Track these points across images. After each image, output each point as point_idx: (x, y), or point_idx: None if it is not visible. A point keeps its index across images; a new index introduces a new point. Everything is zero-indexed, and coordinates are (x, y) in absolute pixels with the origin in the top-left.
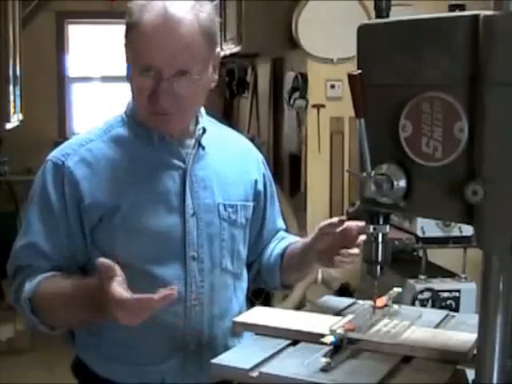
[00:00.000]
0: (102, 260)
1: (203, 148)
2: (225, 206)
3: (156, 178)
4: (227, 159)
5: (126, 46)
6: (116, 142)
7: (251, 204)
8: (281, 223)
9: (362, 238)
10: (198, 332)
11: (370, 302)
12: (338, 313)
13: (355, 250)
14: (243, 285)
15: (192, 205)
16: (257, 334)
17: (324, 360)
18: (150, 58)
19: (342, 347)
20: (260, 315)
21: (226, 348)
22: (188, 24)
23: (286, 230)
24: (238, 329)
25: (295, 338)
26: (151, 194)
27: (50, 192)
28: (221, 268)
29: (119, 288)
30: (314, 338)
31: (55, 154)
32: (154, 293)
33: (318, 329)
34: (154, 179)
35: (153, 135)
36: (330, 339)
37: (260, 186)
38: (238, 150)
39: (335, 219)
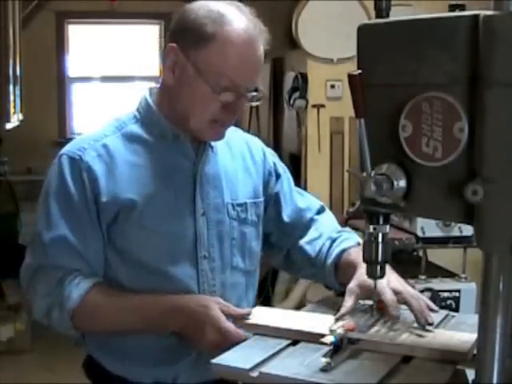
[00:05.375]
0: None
1: (212, 148)
2: (233, 205)
3: (168, 178)
4: (235, 157)
5: (188, 51)
6: (130, 140)
7: (262, 199)
8: (304, 202)
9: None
10: None
11: (370, 302)
12: None
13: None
14: (254, 281)
15: (202, 204)
16: (257, 334)
17: (324, 360)
18: (235, 75)
19: (342, 347)
20: (260, 315)
21: None
22: (260, 43)
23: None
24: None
25: (295, 337)
26: (164, 193)
27: (69, 186)
28: (232, 266)
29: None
30: (314, 338)
31: (70, 149)
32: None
33: (318, 329)
34: (166, 179)
35: (167, 134)
36: (330, 339)
37: (269, 177)
38: (245, 146)
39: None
